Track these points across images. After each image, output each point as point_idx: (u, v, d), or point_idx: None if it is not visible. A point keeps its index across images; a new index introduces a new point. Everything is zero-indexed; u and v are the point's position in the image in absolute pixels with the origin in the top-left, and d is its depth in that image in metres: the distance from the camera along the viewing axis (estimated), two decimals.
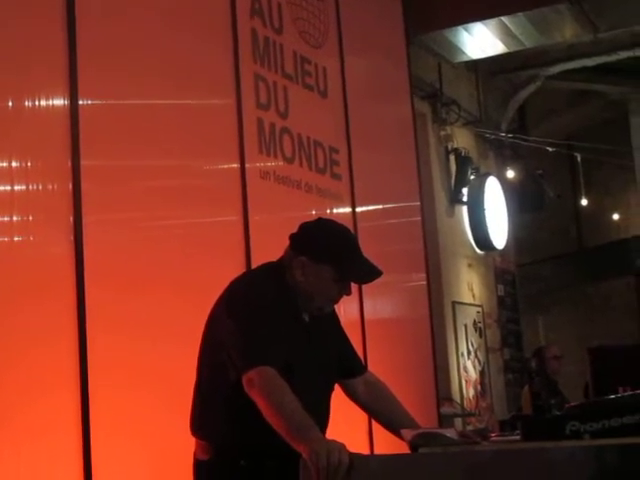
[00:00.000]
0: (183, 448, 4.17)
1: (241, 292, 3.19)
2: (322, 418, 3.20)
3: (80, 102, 4.03)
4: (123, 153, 4.30)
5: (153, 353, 4.20)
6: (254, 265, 4.84)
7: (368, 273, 3.25)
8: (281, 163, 5.50)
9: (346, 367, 3.40)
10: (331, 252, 3.20)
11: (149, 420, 4.12)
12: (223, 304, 3.21)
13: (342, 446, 2.69)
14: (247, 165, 5.12)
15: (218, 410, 3.11)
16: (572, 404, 3.30)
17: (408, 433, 2.93)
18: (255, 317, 3.04)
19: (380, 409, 3.37)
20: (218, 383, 3.11)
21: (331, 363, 3.32)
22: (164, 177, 4.55)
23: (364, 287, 5.48)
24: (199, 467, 3.17)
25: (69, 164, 3.94)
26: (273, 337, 2.99)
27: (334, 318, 3.46)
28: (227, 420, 3.08)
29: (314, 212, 5.71)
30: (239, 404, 2.98)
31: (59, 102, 3.97)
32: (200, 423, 3.17)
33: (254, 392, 2.93)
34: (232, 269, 4.82)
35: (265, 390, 2.91)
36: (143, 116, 4.46)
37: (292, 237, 3.29)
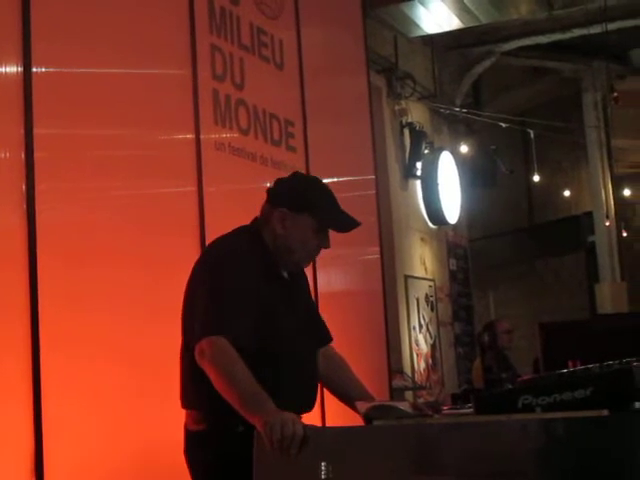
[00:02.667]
0: (138, 418, 4.18)
1: (212, 258, 3.19)
2: (311, 379, 3.24)
3: (34, 70, 3.97)
4: (77, 122, 4.25)
5: (106, 323, 4.17)
6: (208, 237, 4.83)
7: (347, 222, 3.28)
8: (236, 135, 5.47)
9: (314, 333, 3.39)
10: (311, 201, 3.23)
11: (103, 391, 4.10)
12: (195, 270, 3.21)
13: (296, 418, 2.70)
14: (202, 136, 5.08)
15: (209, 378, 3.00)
16: (524, 378, 3.33)
17: (362, 405, 2.94)
18: (220, 286, 3.03)
19: (336, 381, 3.38)
20: None
21: (311, 323, 3.34)
22: (118, 147, 4.50)
23: (317, 260, 5.48)
24: (193, 438, 3.11)
25: (22, 132, 3.89)
26: (236, 307, 2.98)
27: (305, 281, 3.48)
28: None
29: (269, 184, 5.65)
30: None
31: (12, 70, 3.91)
32: (192, 393, 3.10)
33: (204, 362, 2.92)
34: (186, 240, 4.82)
35: (216, 361, 2.90)
36: (98, 85, 4.41)
37: (269, 191, 3.30)
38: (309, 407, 3.20)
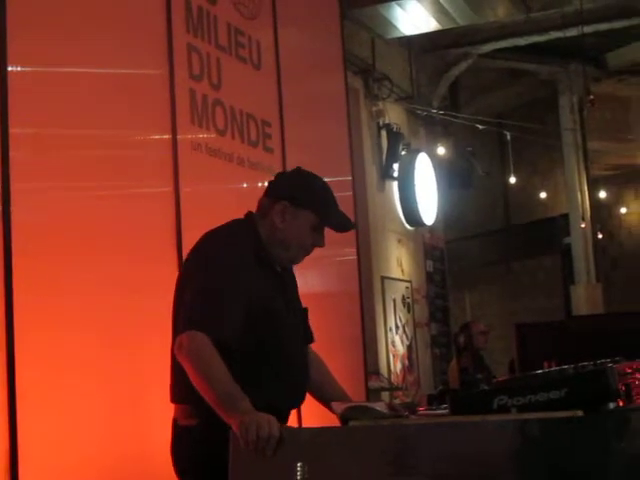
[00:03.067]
0: (113, 425, 4.17)
1: (205, 252, 3.16)
2: (303, 373, 3.24)
3: (9, 69, 3.95)
4: (53, 122, 4.23)
5: (81, 324, 4.15)
6: (184, 237, 4.82)
7: (345, 222, 3.30)
8: (213, 135, 5.46)
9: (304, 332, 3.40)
10: (313, 197, 3.23)
11: (78, 397, 4.07)
12: (187, 263, 3.20)
13: (272, 418, 2.69)
14: (179, 136, 5.07)
15: None
16: (500, 379, 3.35)
17: (338, 406, 2.94)
18: (210, 281, 3.01)
19: (314, 381, 3.36)
20: None
21: (303, 318, 3.35)
22: (94, 147, 4.48)
23: None
24: (182, 433, 3.08)
25: None
26: (223, 304, 2.96)
27: (294, 279, 3.47)
28: None
29: (245, 185, 5.69)
30: (237, 364, 2.91)
31: None
32: (183, 387, 3.01)
33: (181, 356, 2.91)
34: (162, 240, 4.81)
35: (192, 356, 2.88)
36: (74, 84, 4.38)
37: (270, 184, 3.30)
38: (302, 400, 3.23)
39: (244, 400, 2.77)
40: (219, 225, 3.27)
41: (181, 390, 3.06)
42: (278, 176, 3.38)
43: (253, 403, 2.78)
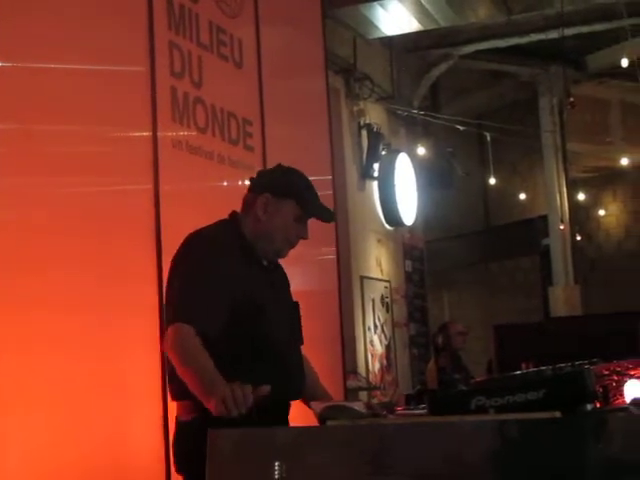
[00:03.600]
0: (87, 420, 4.15)
1: (190, 248, 3.19)
2: (295, 364, 3.26)
3: None
4: (32, 118, 4.20)
5: (57, 322, 4.12)
6: (164, 235, 4.81)
7: (327, 212, 3.37)
8: (194, 133, 5.45)
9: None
10: (294, 187, 3.29)
11: (49, 393, 4.05)
12: (174, 261, 3.22)
13: (245, 386, 2.70)
14: (159, 134, 5.05)
15: None
16: (478, 379, 3.36)
17: (317, 405, 2.94)
18: (194, 275, 3.05)
19: None
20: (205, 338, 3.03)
21: (293, 314, 3.37)
22: (74, 144, 4.46)
23: None
24: (183, 428, 3.12)
25: None
26: (208, 296, 3.00)
27: (287, 282, 3.51)
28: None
29: (226, 183, 5.68)
30: (230, 359, 2.96)
31: None
32: (182, 383, 3.01)
33: (167, 348, 2.95)
34: (141, 238, 4.80)
35: (177, 347, 2.92)
36: (53, 81, 4.36)
37: (252, 181, 3.35)
38: (299, 394, 3.24)
39: (223, 382, 2.78)
40: (204, 226, 3.30)
41: (179, 387, 3.06)
42: (260, 172, 3.44)
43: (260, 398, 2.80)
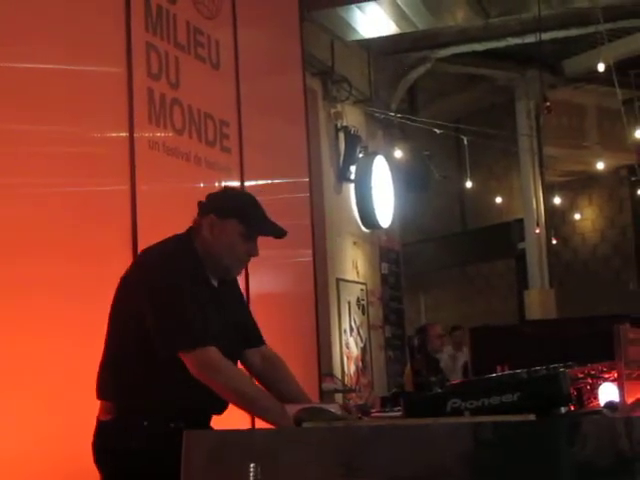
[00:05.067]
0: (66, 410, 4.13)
1: (158, 265, 3.24)
2: None
3: None
4: (8, 118, 4.18)
5: (33, 322, 4.11)
6: (140, 235, 4.81)
7: (275, 228, 3.38)
8: (171, 134, 5.44)
9: (245, 336, 3.48)
10: (236, 207, 3.35)
11: (28, 389, 4.05)
12: (140, 276, 3.26)
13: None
14: (136, 135, 5.05)
15: (132, 373, 3.16)
16: (454, 382, 3.36)
17: (292, 408, 2.95)
18: (178, 291, 3.13)
19: (272, 381, 3.43)
20: (135, 347, 3.16)
21: (236, 331, 3.41)
22: (51, 143, 4.45)
23: (250, 262, 5.46)
24: (101, 427, 3.22)
25: None
26: (202, 313, 3.12)
27: (237, 287, 3.57)
28: (139, 383, 3.14)
29: (202, 184, 5.67)
30: (154, 369, 3.11)
31: None
32: (108, 384, 3.22)
33: (205, 374, 3.06)
34: (118, 239, 4.78)
35: (222, 376, 3.07)
36: (31, 81, 4.35)
37: (199, 204, 3.39)
38: (220, 410, 3.30)
39: (281, 410, 3.02)
40: (160, 242, 3.35)
41: (105, 387, 3.24)
42: (208, 195, 3.47)
43: (180, 407, 3.11)
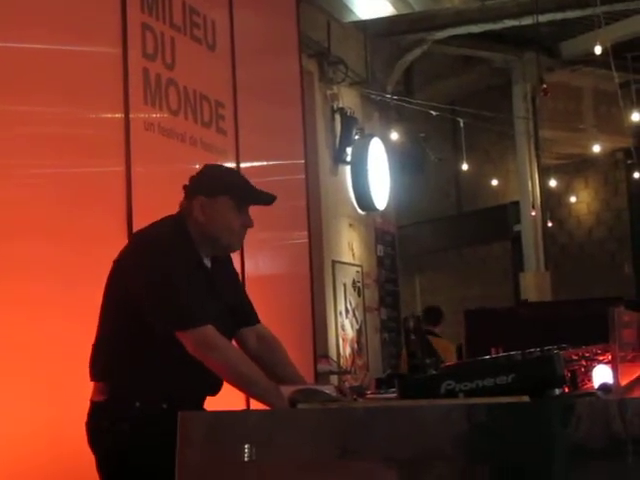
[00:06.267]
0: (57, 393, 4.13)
1: (153, 246, 3.23)
2: None
3: None
4: (3, 98, 4.17)
5: (27, 302, 4.11)
6: (135, 217, 4.80)
7: (265, 196, 3.39)
8: (166, 115, 5.43)
9: (240, 316, 3.48)
10: (224, 183, 3.35)
11: (20, 372, 4.05)
12: (134, 258, 3.26)
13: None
14: (131, 115, 5.03)
15: (124, 355, 3.18)
16: (448, 364, 3.37)
17: (287, 389, 2.95)
18: (173, 272, 3.14)
19: (267, 361, 3.43)
20: (128, 329, 3.18)
21: (231, 311, 3.42)
22: (46, 124, 4.44)
23: (246, 244, 5.45)
24: (94, 408, 3.23)
25: None
26: (198, 293, 3.15)
27: (230, 266, 3.57)
28: (132, 365, 3.17)
29: (198, 166, 5.60)
30: (147, 351, 3.14)
31: None
32: (102, 365, 3.23)
33: (202, 352, 3.08)
34: (113, 220, 4.78)
35: (221, 355, 3.09)
36: (26, 61, 4.33)
37: (185, 187, 3.39)
38: (213, 392, 3.31)
39: (277, 392, 3.04)
40: (152, 224, 3.35)
41: (100, 367, 3.25)
42: (191, 178, 3.44)
43: (173, 388, 3.13)
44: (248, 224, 3.36)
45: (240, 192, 3.33)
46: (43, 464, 4.05)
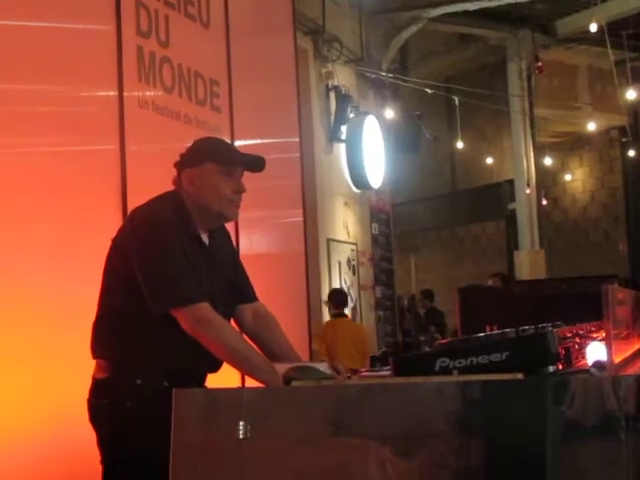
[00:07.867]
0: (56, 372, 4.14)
1: (149, 223, 3.22)
2: None
3: None
4: None
5: (22, 283, 4.11)
6: (130, 195, 4.79)
7: (254, 159, 3.35)
8: (160, 93, 5.41)
9: (237, 293, 3.48)
10: (205, 149, 3.34)
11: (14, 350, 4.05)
12: (131, 235, 3.24)
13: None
14: (125, 93, 5.01)
15: (125, 332, 3.18)
16: (442, 341, 3.37)
17: (282, 366, 2.95)
18: (169, 248, 3.13)
19: (263, 339, 3.43)
20: (129, 306, 3.18)
21: (229, 288, 3.42)
22: (39, 102, 4.42)
23: (241, 222, 5.45)
24: (95, 385, 3.23)
25: None
26: (194, 270, 3.14)
27: (229, 243, 3.57)
28: (132, 342, 3.17)
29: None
30: (147, 328, 3.14)
31: None
32: (103, 342, 3.23)
33: (197, 329, 3.07)
34: (107, 198, 4.77)
35: (214, 332, 3.08)
36: (18, 39, 4.30)
37: (175, 164, 3.37)
38: (214, 369, 3.31)
39: (270, 369, 3.03)
40: (149, 201, 3.32)
41: (101, 345, 3.24)
42: (180, 155, 3.42)
43: (174, 366, 3.13)
44: (239, 189, 3.31)
45: (223, 155, 3.31)
46: (43, 441, 4.06)
